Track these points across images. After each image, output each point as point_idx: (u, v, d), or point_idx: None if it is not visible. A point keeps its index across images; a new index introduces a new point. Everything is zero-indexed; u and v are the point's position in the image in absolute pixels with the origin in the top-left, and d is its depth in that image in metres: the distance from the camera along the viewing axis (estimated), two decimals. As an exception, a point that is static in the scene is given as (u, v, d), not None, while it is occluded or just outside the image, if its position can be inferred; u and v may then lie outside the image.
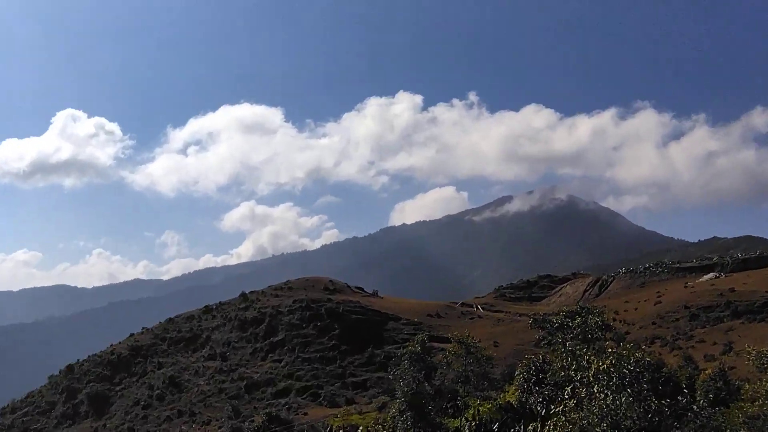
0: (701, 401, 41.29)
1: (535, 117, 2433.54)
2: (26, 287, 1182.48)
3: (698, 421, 33.14)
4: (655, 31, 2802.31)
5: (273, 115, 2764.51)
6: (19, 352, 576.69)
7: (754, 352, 38.04)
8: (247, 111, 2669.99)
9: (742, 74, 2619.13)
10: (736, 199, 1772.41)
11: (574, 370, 33.53)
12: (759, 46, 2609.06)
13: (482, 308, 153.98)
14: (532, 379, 45.54)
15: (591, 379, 29.59)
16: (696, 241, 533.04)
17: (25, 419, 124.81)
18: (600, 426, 29.13)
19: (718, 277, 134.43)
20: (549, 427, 32.10)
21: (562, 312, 72.33)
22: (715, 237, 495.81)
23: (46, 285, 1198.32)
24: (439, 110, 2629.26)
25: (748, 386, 39.34)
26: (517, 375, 49.95)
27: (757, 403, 34.14)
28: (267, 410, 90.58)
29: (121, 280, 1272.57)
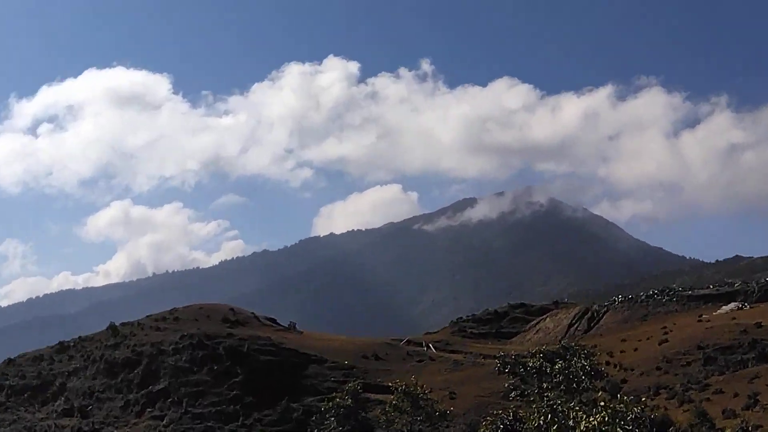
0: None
1: (509, 94, 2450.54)
2: None
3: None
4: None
5: (157, 83, 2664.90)
6: None
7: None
8: (121, 77, 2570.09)
9: None
10: (766, 207, 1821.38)
11: (555, 429, 33.88)
12: None
13: (435, 348, 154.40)
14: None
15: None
16: (714, 261, 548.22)
17: None
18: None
19: (742, 308, 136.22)
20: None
21: (540, 353, 73.43)
22: (737, 256, 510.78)
23: None
24: (382, 82, 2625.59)
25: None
26: (479, 436, 50.19)
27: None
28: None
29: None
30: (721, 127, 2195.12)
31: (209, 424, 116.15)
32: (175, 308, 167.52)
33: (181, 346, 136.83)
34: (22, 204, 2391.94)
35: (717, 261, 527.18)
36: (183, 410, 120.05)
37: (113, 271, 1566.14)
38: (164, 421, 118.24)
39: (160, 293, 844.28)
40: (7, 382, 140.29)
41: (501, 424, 48.36)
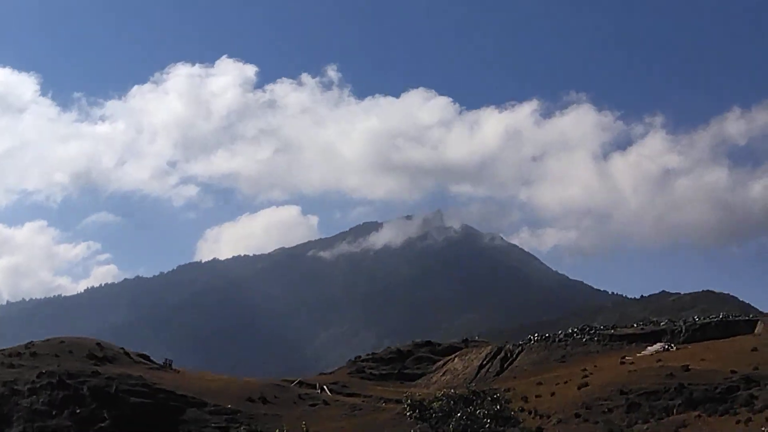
0: None
1: (423, 108, 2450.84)
2: None
3: None
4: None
5: (22, 83, 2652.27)
6: None
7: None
8: None
9: (715, 63, 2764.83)
10: (699, 239, 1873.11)
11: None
12: (738, 28, 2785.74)
13: (330, 390, 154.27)
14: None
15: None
16: (639, 296, 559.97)
17: None
18: None
19: (668, 349, 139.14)
20: None
21: (446, 396, 73.73)
22: (664, 292, 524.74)
23: None
24: (281, 89, 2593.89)
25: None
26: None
27: None
28: None
29: None
30: (654, 150, 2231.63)
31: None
32: (32, 342, 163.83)
33: (38, 385, 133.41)
34: None
35: (642, 297, 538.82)
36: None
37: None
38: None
39: (16, 324, 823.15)
40: None
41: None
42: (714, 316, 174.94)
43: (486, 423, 63.72)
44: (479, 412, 64.70)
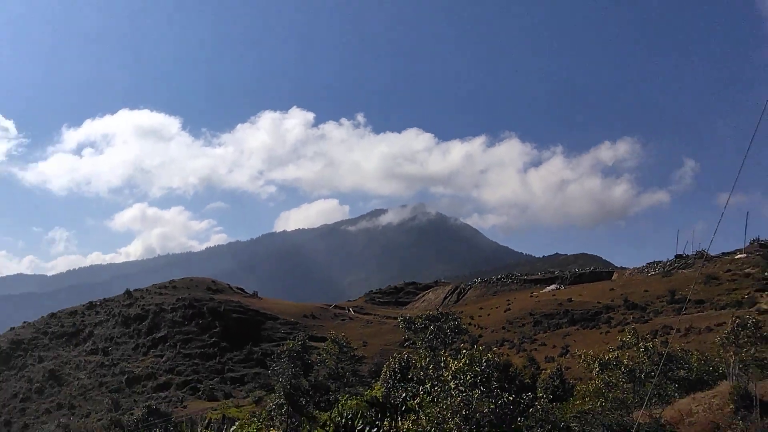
0: (542, 398, 42.95)
1: (415, 140, 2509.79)
2: None
3: (538, 415, 34.36)
4: (523, 70, 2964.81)
5: (171, 123, 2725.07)
6: None
7: (584, 354, 39.97)
8: (146, 117, 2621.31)
9: (593, 112, 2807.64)
10: (580, 221, 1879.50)
11: (432, 368, 33.97)
12: (608, 89, 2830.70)
13: (353, 311, 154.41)
14: (396, 376, 45.90)
15: (448, 377, 30.02)
16: (541, 256, 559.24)
17: None
18: (453, 420, 29.58)
19: (559, 288, 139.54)
20: (408, 421, 32.28)
21: (423, 316, 73.76)
22: (557, 253, 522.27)
23: None
24: (328, 127, 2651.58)
25: (579, 386, 41.32)
26: (383, 372, 50.22)
27: (586, 400, 35.88)
28: (147, 403, 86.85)
29: (4, 274, 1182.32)
30: (555, 167, 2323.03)
31: (195, 361, 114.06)
32: (173, 280, 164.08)
33: (176, 306, 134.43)
34: (68, 203, 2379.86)
35: (544, 256, 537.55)
36: (177, 351, 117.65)
37: (131, 252, 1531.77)
38: (163, 359, 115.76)
39: (164, 269, 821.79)
40: (50, 330, 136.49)
41: (397, 364, 48.27)
42: (588, 269, 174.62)
43: (448, 331, 63.73)
44: (444, 326, 64.76)
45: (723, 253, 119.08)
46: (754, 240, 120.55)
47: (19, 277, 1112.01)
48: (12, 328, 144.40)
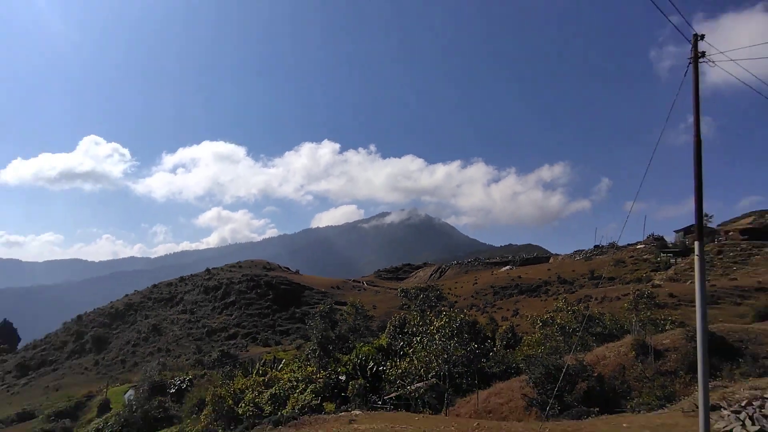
0: (499, 345, 42.91)
1: (411, 163, 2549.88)
2: (49, 259, 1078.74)
3: (496, 358, 34.29)
4: (488, 113, 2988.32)
5: (239, 151, 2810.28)
6: (41, 306, 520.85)
7: (529, 315, 39.93)
8: (221, 146, 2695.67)
9: (537, 144, 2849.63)
10: (527, 221, 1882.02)
11: (421, 325, 34.03)
12: (548, 126, 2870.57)
13: (366, 284, 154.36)
14: (396, 330, 45.95)
15: (433, 331, 30.09)
16: (499, 245, 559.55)
17: (42, 353, 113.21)
18: (436, 361, 29.62)
19: (511, 269, 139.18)
20: (405, 361, 32.35)
21: (415, 287, 73.70)
22: (510, 244, 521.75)
23: (64, 258, 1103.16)
24: (350, 154, 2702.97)
25: (525, 338, 41.27)
26: (387, 327, 50.28)
27: (530, 347, 35.84)
28: (221, 348, 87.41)
29: (121, 257, 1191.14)
30: (510, 183, 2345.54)
31: (254, 319, 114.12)
32: (239, 261, 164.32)
33: (242, 280, 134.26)
34: (166, 207, 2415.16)
35: (501, 246, 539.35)
36: (241, 312, 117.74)
37: (210, 241, 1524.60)
38: (232, 317, 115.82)
39: (235, 253, 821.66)
40: (153, 296, 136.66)
41: (397, 321, 48.26)
42: (532, 255, 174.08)
43: (432, 299, 63.61)
44: (430, 295, 64.63)
45: (628, 244, 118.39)
46: (649, 235, 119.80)
47: (132, 259, 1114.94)
48: (126, 295, 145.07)
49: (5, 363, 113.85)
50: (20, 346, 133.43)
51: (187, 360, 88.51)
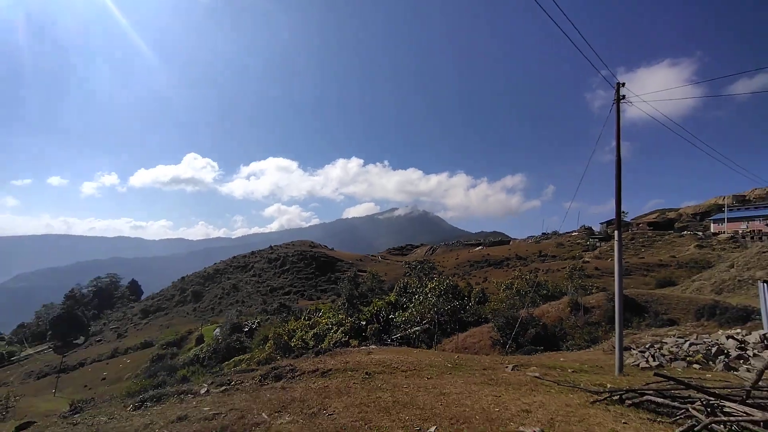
0: (473, 302, 42.69)
1: (413, 174, 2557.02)
2: (163, 238, 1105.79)
3: (471, 311, 34.17)
4: (470, 136, 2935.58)
5: (293, 164, 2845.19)
6: (157, 270, 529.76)
7: (495, 281, 39.59)
8: (281, 161, 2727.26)
9: (503, 159, 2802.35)
10: (495, 214, 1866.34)
11: (418, 287, 34.04)
12: (510, 145, 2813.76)
13: (381, 258, 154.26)
14: (401, 290, 46.03)
15: (426, 291, 30.07)
16: (475, 232, 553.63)
17: (158, 302, 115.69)
18: (429, 312, 29.62)
19: (483, 248, 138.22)
20: (407, 312, 32.43)
21: (416, 261, 73.51)
22: (482, 230, 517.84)
23: (173, 238, 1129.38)
24: (370, 167, 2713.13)
25: (492, 297, 41.01)
26: (395, 288, 50.38)
27: (496, 304, 35.62)
28: (279, 301, 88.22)
29: (212, 237, 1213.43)
30: (483, 188, 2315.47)
31: (303, 281, 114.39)
32: (292, 241, 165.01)
33: (294, 254, 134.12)
34: (243, 203, 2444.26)
35: (476, 232, 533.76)
36: (294, 276, 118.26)
37: (273, 227, 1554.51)
38: (288, 280, 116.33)
39: (288, 236, 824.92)
40: (233, 264, 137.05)
41: (402, 284, 48.26)
42: (498, 239, 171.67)
43: (427, 269, 63.49)
44: (425, 266, 64.52)
45: (566, 232, 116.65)
46: (582, 226, 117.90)
47: (218, 239, 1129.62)
48: (214, 264, 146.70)
49: (133, 308, 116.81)
50: (143, 297, 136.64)
51: (255, 309, 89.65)
